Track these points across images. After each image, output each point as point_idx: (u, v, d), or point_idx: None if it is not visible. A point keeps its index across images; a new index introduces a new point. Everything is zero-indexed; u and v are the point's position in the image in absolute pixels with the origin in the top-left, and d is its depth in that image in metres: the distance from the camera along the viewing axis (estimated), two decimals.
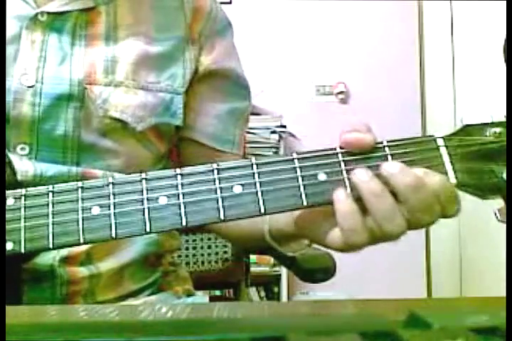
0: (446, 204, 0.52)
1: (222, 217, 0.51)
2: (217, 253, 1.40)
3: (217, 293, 2.10)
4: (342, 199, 0.51)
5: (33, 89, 0.75)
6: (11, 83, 0.75)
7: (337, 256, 1.15)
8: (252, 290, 2.63)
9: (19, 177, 0.71)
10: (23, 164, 0.74)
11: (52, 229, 0.52)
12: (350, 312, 0.50)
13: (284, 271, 2.57)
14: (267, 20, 2.85)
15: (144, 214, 0.51)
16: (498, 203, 0.54)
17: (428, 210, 0.51)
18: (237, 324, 0.40)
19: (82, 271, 0.76)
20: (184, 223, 0.51)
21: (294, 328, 0.35)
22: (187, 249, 1.40)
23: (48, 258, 0.74)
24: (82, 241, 0.52)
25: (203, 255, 1.40)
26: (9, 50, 0.76)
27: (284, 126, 2.67)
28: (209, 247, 1.40)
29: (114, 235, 0.51)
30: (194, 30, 0.85)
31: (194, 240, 1.41)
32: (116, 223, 0.51)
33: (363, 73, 2.83)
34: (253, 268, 1.96)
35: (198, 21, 0.86)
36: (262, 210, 0.51)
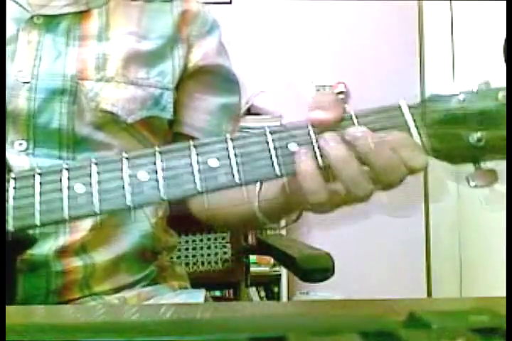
0: (409, 158, 0.53)
1: (199, 189, 0.53)
2: (217, 254, 1.40)
3: (217, 293, 2.10)
4: (303, 159, 0.53)
5: (28, 85, 0.79)
6: (8, 80, 0.78)
7: (337, 256, 1.16)
8: (252, 290, 2.63)
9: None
10: (20, 160, 0.77)
11: (39, 207, 0.54)
12: (350, 312, 0.50)
13: (284, 271, 2.57)
14: (266, 20, 2.85)
15: (124, 190, 0.53)
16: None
17: (393, 167, 0.53)
18: (237, 324, 0.40)
19: (77, 261, 0.78)
20: (164, 196, 0.53)
21: (294, 328, 0.35)
22: (187, 249, 1.40)
23: (43, 250, 0.75)
24: (67, 217, 0.54)
25: (202, 255, 1.40)
26: (7, 50, 0.80)
27: None
28: (209, 247, 1.40)
29: (97, 211, 0.53)
30: (183, 31, 0.89)
31: (194, 240, 1.41)
32: (99, 199, 0.53)
33: (363, 73, 2.83)
34: (253, 268, 1.95)
35: (187, 23, 0.90)
36: (238, 181, 0.54)
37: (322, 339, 0.33)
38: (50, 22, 0.82)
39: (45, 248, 0.75)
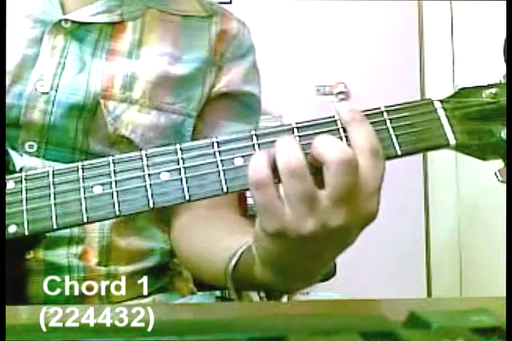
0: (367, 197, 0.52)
1: (225, 190, 0.51)
2: None
3: (218, 293, 2.09)
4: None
5: (46, 96, 0.75)
6: (26, 87, 0.75)
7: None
8: None
9: None
10: (31, 161, 0.75)
11: (55, 209, 0.52)
12: (350, 312, 0.50)
13: None
14: (266, 20, 2.84)
15: (146, 191, 0.51)
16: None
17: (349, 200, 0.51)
18: (237, 324, 0.40)
19: (99, 270, 0.77)
20: (187, 197, 0.51)
21: (294, 328, 0.35)
22: None
23: (62, 254, 0.74)
24: (85, 220, 0.51)
25: None
26: (29, 53, 0.76)
27: None
28: None
29: (117, 213, 0.51)
30: (217, 51, 0.85)
31: None
32: (119, 201, 0.51)
33: (363, 73, 2.83)
34: None
35: (222, 43, 0.86)
36: None
37: (322, 339, 0.33)
38: (78, 28, 0.78)
39: (63, 252, 0.74)
